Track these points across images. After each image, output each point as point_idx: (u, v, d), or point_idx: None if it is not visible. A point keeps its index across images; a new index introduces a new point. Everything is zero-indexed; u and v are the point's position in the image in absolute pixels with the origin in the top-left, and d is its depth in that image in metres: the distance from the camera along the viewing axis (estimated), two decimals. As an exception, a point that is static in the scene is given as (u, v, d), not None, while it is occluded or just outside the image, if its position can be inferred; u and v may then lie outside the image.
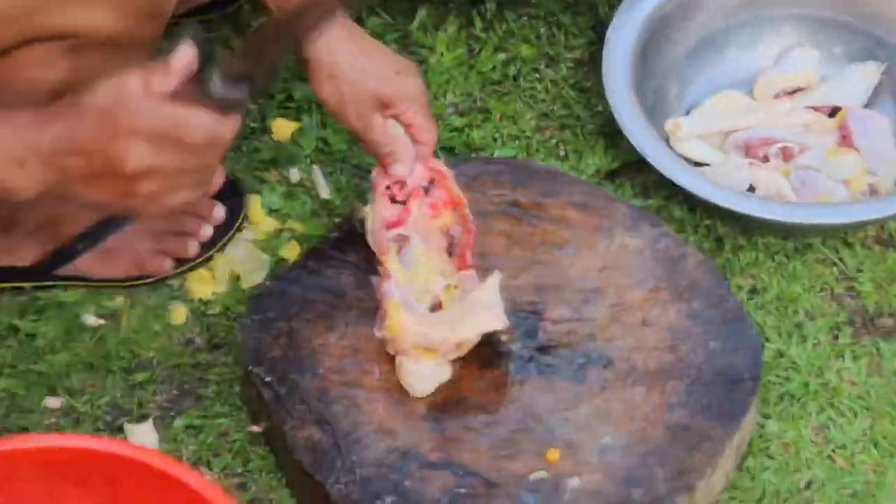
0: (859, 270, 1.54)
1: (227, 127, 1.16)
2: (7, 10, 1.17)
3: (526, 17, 1.73)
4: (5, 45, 1.21)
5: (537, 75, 1.69)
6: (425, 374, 1.38)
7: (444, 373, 1.37)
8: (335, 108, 1.42)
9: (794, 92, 1.64)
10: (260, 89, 1.32)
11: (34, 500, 1.16)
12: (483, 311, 1.36)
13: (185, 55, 1.15)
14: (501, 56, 1.70)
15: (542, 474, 1.32)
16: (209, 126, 1.15)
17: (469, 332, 1.36)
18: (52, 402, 1.45)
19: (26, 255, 1.51)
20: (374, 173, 1.44)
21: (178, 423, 1.44)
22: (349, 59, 1.39)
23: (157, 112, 1.16)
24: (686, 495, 1.32)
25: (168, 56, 1.15)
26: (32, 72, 1.25)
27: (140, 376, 1.47)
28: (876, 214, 1.50)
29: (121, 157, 1.16)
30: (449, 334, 1.36)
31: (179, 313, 1.52)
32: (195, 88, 1.15)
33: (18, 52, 1.22)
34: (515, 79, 1.69)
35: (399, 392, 1.38)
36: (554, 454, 1.33)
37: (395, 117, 1.42)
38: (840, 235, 1.55)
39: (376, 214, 1.41)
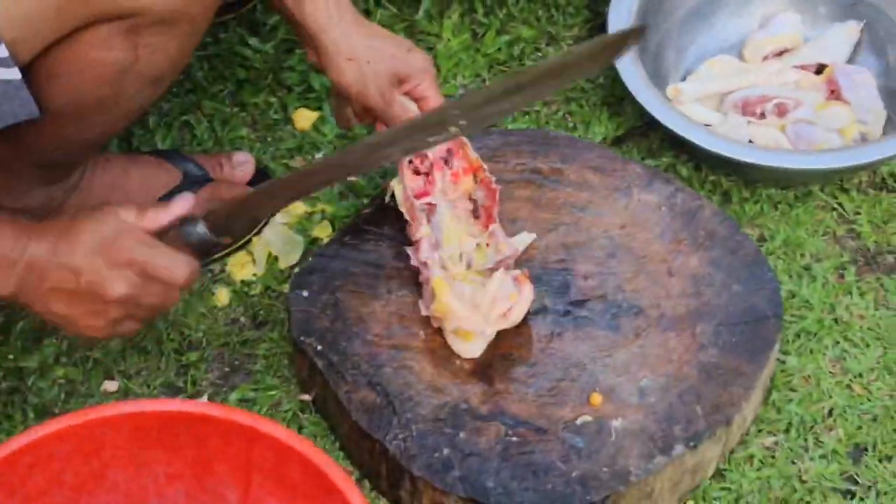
0: (857, 213, 1.56)
1: (196, 273, 1.25)
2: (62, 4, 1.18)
3: (524, 0, 1.73)
4: (72, 25, 1.21)
5: (540, 54, 1.70)
6: (473, 343, 1.39)
7: (489, 337, 1.38)
8: (357, 88, 1.41)
9: (781, 53, 1.66)
10: (237, 239, 1.40)
11: (125, 465, 1.17)
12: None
13: (184, 203, 1.26)
14: (505, 38, 1.70)
15: (587, 418, 1.34)
16: (188, 272, 1.24)
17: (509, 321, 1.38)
18: (110, 386, 1.46)
19: None
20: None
21: (232, 397, 1.45)
22: (364, 41, 1.40)
23: (151, 251, 1.23)
24: (724, 428, 1.34)
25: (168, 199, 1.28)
26: (96, 52, 1.26)
27: (191, 356, 1.48)
28: (868, 158, 1.52)
29: (110, 283, 1.22)
30: (492, 321, 1.36)
31: (223, 295, 1.53)
32: (181, 228, 1.25)
33: (82, 34, 1.23)
34: (520, 58, 1.70)
35: (445, 351, 1.39)
36: (597, 398, 1.34)
37: (409, 92, 1.42)
38: (837, 181, 1.58)
39: (405, 187, 1.42)
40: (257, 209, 1.38)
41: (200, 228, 1.26)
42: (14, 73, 1.15)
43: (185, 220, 1.26)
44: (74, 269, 1.21)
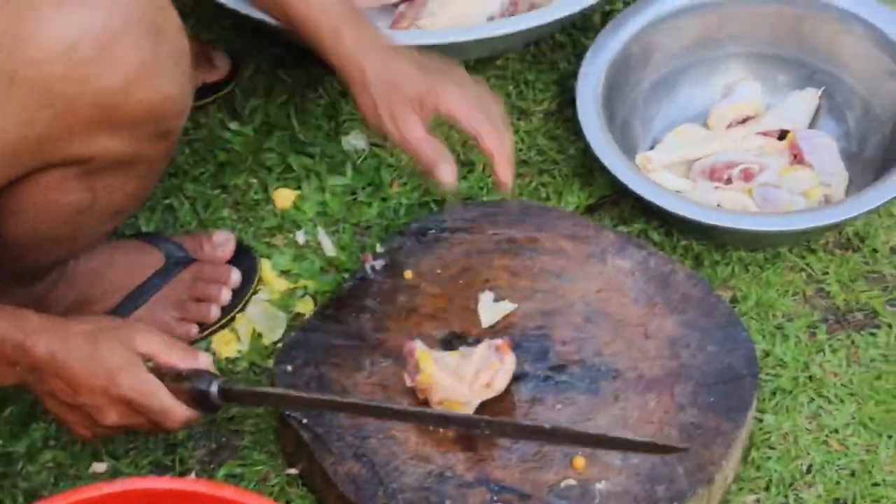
0: (825, 273, 1.55)
1: (190, 424, 1.26)
2: (23, 140, 1.16)
3: (495, 78, 1.74)
4: (23, 171, 1.19)
5: (512, 128, 1.65)
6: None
7: (474, 406, 1.35)
8: (368, 114, 1.38)
9: (744, 120, 1.66)
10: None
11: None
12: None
13: (206, 360, 1.26)
14: None
15: (571, 482, 1.31)
16: (182, 423, 1.24)
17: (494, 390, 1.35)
18: (99, 468, 1.42)
19: None
20: None
21: (220, 473, 1.41)
22: (380, 65, 1.36)
23: (149, 397, 1.22)
24: (706, 487, 1.31)
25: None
26: (52, 194, 1.24)
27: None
28: (833, 219, 1.51)
29: (104, 411, 1.22)
30: (476, 390, 1.34)
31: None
32: (193, 378, 1.23)
33: (39, 175, 1.21)
34: None
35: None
36: (580, 462, 1.32)
37: (437, 110, 1.36)
38: (804, 243, 1.57)
39: None
40: (274, 405, 1.38)
41: (214, 390, 1.24)
42: None
43: (199, 374, 1.24)
44: (74, 385, 1.21)
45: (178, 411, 1.24)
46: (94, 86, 1.14)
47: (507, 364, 1.35)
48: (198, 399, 1.25)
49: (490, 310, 1.43)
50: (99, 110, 1.16)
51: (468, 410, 1.35)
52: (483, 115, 1.37)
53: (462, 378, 1.34)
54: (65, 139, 1.17)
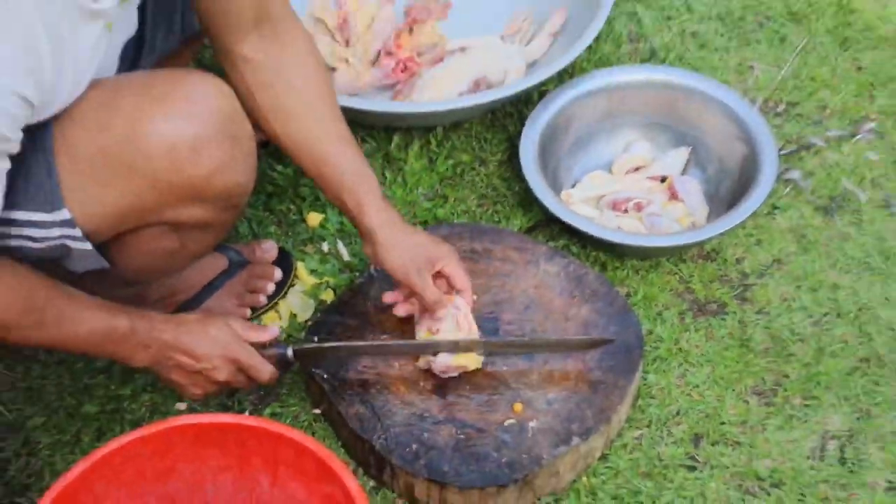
0: (691, 276, 1.55)
1: (274, 379, 1.27)
2: (135, 208, 1.16)
3: (463, 136, 1.72)
4: (133, 227, 1.20)
5: (475, 172, 1.68)
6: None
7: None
8: (402, 272, 1.29)
9: (637, 168, 1.65)
10: (308, 366, 1.39)
11: (189, 461, 1.15)
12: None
13: (274, 331, 1.28)
14: (450, 162, 1.68)
15: (511, 421, 1.31)
16: (269, 378, 1.26)
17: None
18: (181, 406, 1.42)
19: None
20: (417, 316, 1.36)
21: (266, 412, 1.41)
22: (405, 239, 1.30)
23: (250, 357, 1.25)
24: (606, 425, 1.32)
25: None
26: (151, 243, 1.24)
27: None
28: (697, 238, 1.51)
29: (218, 371, 1.24)
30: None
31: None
32: (271, 346, 1.27)
33: (141, 230, 1.21)
34: (461, 175, 1.68)
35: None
36: (518, 407, 1.32)
37: (441, 271, 1.32)
38: (677, 255, 1.57)
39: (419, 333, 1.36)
40: (331, 355, 1.37)
41: (289, 353, 1.28)
42: (87, 245, 1.16)
43: (274, 343, 1.28)
44: (196, 356, 1.22)
45: (268, 368, 1.26)
46: (186, 175, 1.14)
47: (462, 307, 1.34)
48: (278, 360, 1.28)
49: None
50: (189, 191, 1.16)
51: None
52: (464, 276, 1.33)
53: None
54: (163, 209, 1.18)
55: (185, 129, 1.12)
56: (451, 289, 1.34)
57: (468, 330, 1.33)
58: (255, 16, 1.24)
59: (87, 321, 1.16)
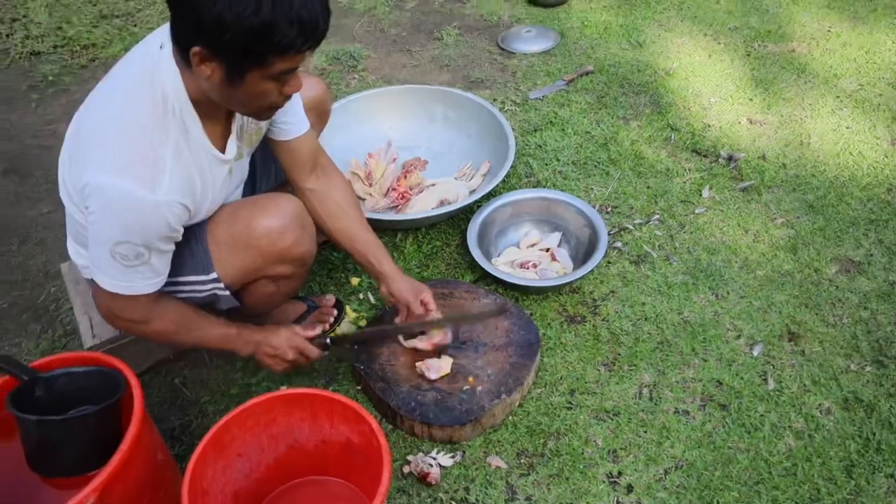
0: (566, 303, 1.54)
1: (320, 358, 1.26)
2: (250, 269, 1.16)
3: (435, 231, 1.70)
4: (251, 280, 1.19)
5: (444, 252, 1.67)
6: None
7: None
8: (399, 298, 1.28)
9: (533, 245, 1.65)
10: (344, 356, 1.37)
11: (283, 417, 1.13)
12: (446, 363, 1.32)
13: (319, 328, 1.26)
14: (429, 246, 1.67)
15: (467, 387, 1.30)
16: (317, 357, 1.24)
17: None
18: (284, 387, 1.34)
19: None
20: (405, 343, 1.35)
21: (331, 388, 1.38)
22: (405, 281, 1.29)
23: (306, 345, 1.23)
24: (520, 387, 1.31)
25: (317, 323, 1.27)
26: (261, 289, 1.23)
27: (314, 374, 1.41)
28: (567, 280, 1.50)
29: (288, 353, 1.22)
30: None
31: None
32: (317, 339, 1.26)
33: (255, 282, 1.21)
34: (436, 254, 1.66)
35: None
36: (471, 380, 1.32)
37: (422, 299, 1.29)
38: (557, 291, 1.56)
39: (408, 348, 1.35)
40: (356, 343, 1.36)
41: (327, 340, 1.27)
42: (227, 292, 1.16)
43: (319, 336, 1.27)
44: (275, 346, 1.22)
45: (315, 350, 1.25)
46: (278, 248, 1.15)
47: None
48: (321, 345, 1.26)
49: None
50: (279, 257, 1.17)
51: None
52: (433, 304, 1.30)
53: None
54: (266, 268, 1.18)
55: (276, 222, 1.14)
56: (427, 309, 1.34)
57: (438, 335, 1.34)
58: (312, 166, 1.28)
59: (215, 329, 1.17)
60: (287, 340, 1.25)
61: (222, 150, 1.12)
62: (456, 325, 1.37)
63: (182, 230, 1.09)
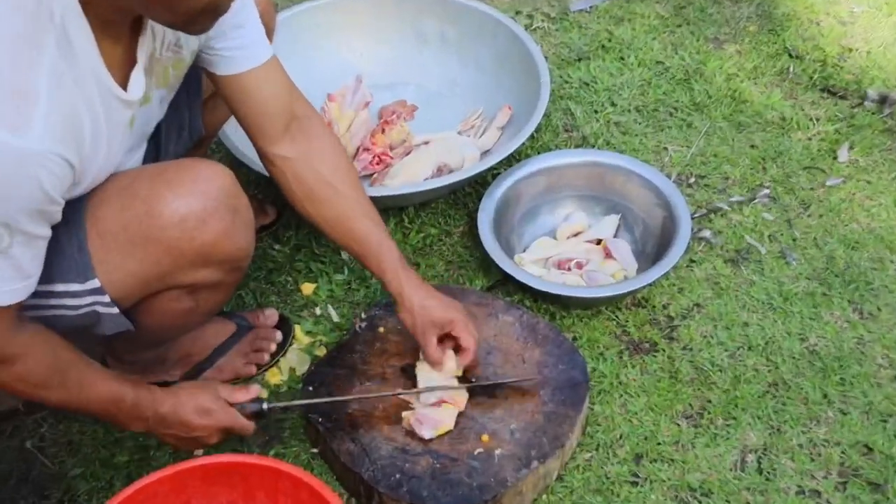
0: (626, 321, 1.54)
1: (253, 432, 1.23)
2: (154, 274, 1.15)
3: (430, 213, 1.71)
4: (153, 291, 1.18)
5: (442, 242, 1.67)
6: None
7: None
8: (412, 330, 1.31)
9: (576, 234, 1.65)
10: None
11: (201, 498, 1.12)
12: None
13: (257, 390, 1.25)
14: (421, 235, 1.68)
15: (480, 450, 1.29)
16: (251, 432, 1.25)
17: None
18: (198, 452, 1.33)
19: (174, 374, 1.45)
20: (418, 365, 1.36)
21: (271, 453, 1.38)
22: (420, 301, 1.29)
23: (235, 420, 1.23)
24: (560, 449, 1.30)
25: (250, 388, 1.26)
26: (171, 304, 1.23)
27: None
28: (628, 289, 1.50)
29: (209, 437, 1.22)
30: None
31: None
32: (250, 403, 1.25)
33: (162, 293, 1.20)
34: (431, 246, 1.66)
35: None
36: (485, 438, 1.30)
37: (449, 334, 1.32)
38: (614, 304, 1.56)
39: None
40: (296, 409, 1.37)
41: (265, 407, 1.26)
42: (114, 310, 1.14)
43: (254, 401, 1.26)
44: (189, 426, 1.20)
45: (250, 426, 1.25)
46: (196, 243, 1.13)
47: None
48: (256, 415, 1.26)
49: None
50: (199, 257, 1.15)
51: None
52: (472, 339, 1.32)
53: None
54: (178, 273, 1.16)
55: (193, 204, 1.11)
56: (461, 348, 1.32)
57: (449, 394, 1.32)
58: (285, 121, 1.25)
59: (99, 387, 1.14)
60: (212, 419, 1.22)
61: (123, 86, 1.07)
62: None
63: (62, 204, 1.02)
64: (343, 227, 1.29)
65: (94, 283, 1.11)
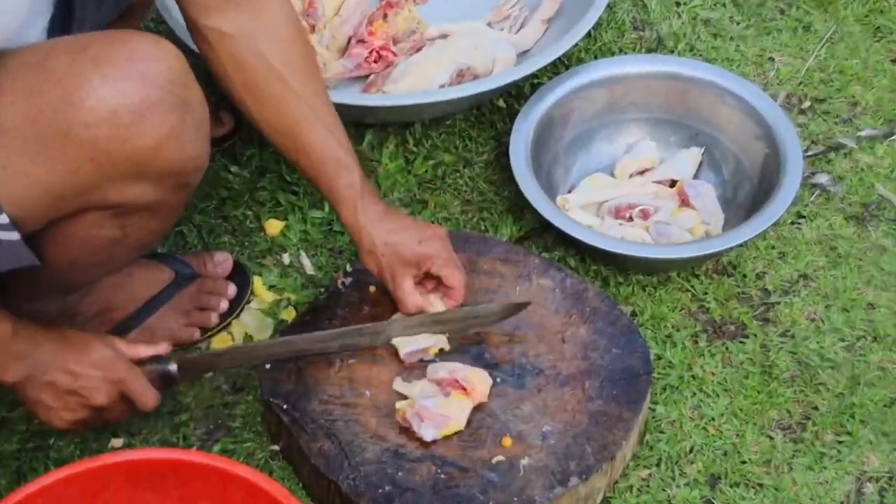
0: (705, 293, 1.53)
1: (157, 405, 1.27)
2: (70, 187, 1.14)
3: (445, 134, 1.70)
4: (69, 211, 1.17)
5: (458, 174, 1.66)
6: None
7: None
8: (376, 274, 1.36)
9: (643, 171, 1.64)
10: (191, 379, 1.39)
11: (120, 505, 1.12)
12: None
13: (164, 347, 1.29)
14: (430, 162, 1.66)
15: (500, 458, 1.28)
16: (154, 403, 1.26)
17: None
18: (116, 443, 1.38)
19: None
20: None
21: (215, 448, 1.37)
22: (382, 236, 1.33)
23: (135, 378, 1.25)
24: (609, 463, 1.29)
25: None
26: (90, 230, 1.22)
27: (183, 417, 1.40)
28: (711, 249, 1.49)
29: (98, 392, 1.23)
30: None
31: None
32: (152, 362, 1.27)
33: (79, 216, 1.19)
34: (443, 178, 1.66)
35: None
36: (508, 441, 1.30)
37: (428, 272, 1.35)
38: (689, 269, 1.55)
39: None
40: (221, 367, 1.38)
41: (172, 367, 1.27)
42: (14, 236, 1.13)
43: (157, 357, 1.27)
44: (75, 374, 1.21)
45: (153, 391, 1.26)
46: (130, 145, 1.12)
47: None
48: (160, 377, 1.27)
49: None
50: (133, 165, 1.14)
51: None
52: (458, 273, 1.35)
53: None
54: (103, 187, 1.15)
55: (128, 91, 1.10)
56: (446, 285, 1.36)
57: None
58: None
59: None
60: (106, 367, 1.24)
61: None
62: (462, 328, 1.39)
63: None
64: (290, 136, 1.32)
65: None
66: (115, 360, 1.24)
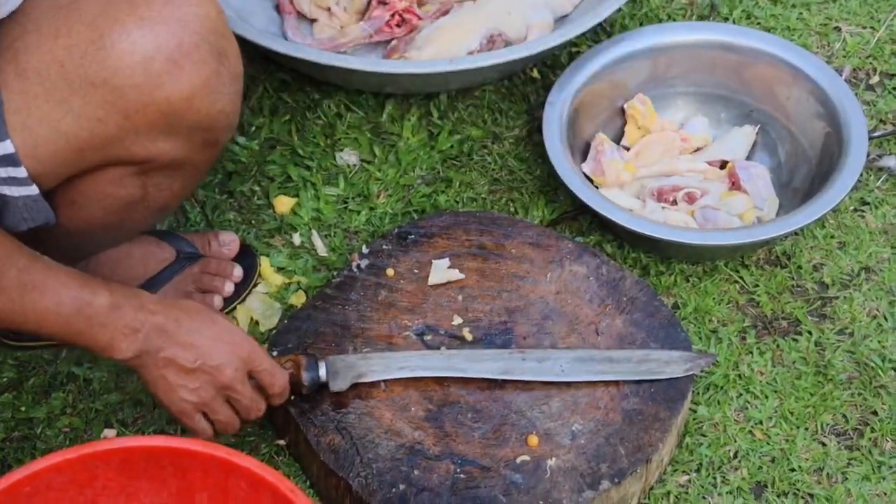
0: (756, 286, 1.55)
1: (285, 397, 1.29)
2: (94, 137, 1.15)
3: (472, 106, 1.72)
4: (89, 165, 1.19)
5: (486, 150, 1.68)
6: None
7: None
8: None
9: (693, 151, 1.65)
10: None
11: (115, 496, 1.13)
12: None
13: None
14: (456, 137, 1.69)
15: (525, 457, 1.31)
16: (284, 390, 1.28)
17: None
18: (109, 433, 1.41)
19: None
20: None
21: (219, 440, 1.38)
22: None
23: (266, 358, 1.26)
24: (644, 467, 1.31)
25: None
26: (110, 188, 1.24)
27: None
28: (763, 236, 1.50)
29: (224, 368, 1.22)
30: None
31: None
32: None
33: (99, 172, 1.21)
34: (469, 154, 1.68)
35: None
36: (533, 440, 1.32)
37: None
38: (738, 258, 1.56)
39: None
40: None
41: (322, 372, 1.31)
42: (33, 190, 1.15)
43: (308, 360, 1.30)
44: (197, 347, 1.20)
45: (285, 376, 1.27)
46: (162, 94, 1.14)
47: None
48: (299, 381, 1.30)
49: (439, 271, 1.44)
50: (163, 117, 1.16)
51: None
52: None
53: None
54: (129, 140, 1.17)
55: (164, 37, 1.12)
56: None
57: None
58: None
59: (53, 289, 1.15)
60: (233, 342, 1.23)
61: None
62: None
63: None
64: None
65: (7, 147, 1.12)
66: (242, 335, 1.24)
